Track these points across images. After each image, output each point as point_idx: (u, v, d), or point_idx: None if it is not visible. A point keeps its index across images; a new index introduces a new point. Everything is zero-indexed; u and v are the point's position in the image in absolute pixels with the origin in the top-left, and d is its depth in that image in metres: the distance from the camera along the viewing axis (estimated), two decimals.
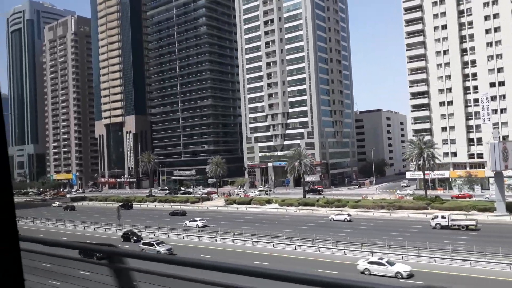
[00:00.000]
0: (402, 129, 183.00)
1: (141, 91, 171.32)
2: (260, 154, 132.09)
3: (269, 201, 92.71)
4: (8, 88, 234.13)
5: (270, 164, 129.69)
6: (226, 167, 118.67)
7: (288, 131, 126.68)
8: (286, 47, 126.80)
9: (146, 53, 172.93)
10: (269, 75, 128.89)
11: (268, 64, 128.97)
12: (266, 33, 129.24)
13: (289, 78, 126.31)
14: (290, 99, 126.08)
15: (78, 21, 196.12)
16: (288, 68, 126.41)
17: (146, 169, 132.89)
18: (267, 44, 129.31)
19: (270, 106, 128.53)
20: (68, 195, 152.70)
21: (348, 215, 70.75)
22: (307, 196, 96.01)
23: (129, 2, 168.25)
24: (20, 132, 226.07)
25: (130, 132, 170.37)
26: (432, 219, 60.52)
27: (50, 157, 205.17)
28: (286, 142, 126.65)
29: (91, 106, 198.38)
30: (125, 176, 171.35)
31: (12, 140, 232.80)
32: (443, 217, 59.11)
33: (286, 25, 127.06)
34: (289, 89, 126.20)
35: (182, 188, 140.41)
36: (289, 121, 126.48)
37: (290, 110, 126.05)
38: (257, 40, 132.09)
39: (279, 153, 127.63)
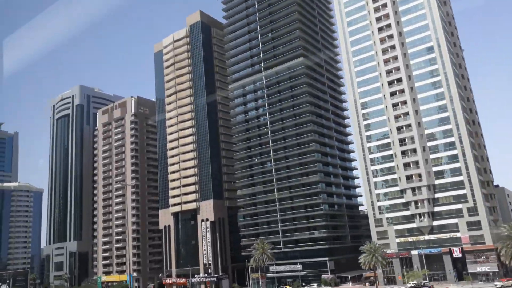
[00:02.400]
0: None
1: (217, 173, 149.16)
2: (397, 240, 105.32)
3: None
4: (49, 179, 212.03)
5: (414, 252, 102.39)
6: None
7: (437, 208, 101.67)
8: (422, 108, 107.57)
9: (221, 131, 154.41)
10: (401, 141, 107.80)
11: (399, 129, 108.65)
12: (393, 96, 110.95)
13: (430, 144, 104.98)
14: (435, 168, 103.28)
15: (138, 102, 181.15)
16: (428, 131, 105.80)
17: (256, 262, 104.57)
18: (395, 106, 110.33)
19: (408, 178, 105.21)
20: None
21: None
22: None
23: (203, 82, 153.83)
24: (61, 228, 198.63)
25: (207, 220, 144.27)
26: None
27: (98, 255, 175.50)
28: (436, 223, 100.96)
29: (151, 194, 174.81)
30: (200, 275, 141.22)
31: (49, 237, 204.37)
32: None
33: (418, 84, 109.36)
34: (432, 156, 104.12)
35: None
36: (437, 195, 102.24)
37: (437, 182, 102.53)
38: (376, 95, 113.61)
39: (427, 237, 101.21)
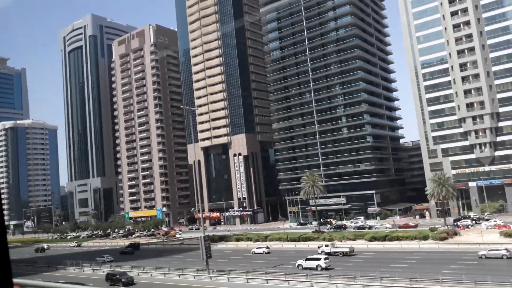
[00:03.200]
0: None
1: (248, 106, 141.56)
2: (453, 172, 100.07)
3: None
4: (65, 115, 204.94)
5: (472, 183, 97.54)
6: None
7: (500, 138, 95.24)
8: (487, 28, 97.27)
9: (251, 61, 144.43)
10: (462, 66, 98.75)
11: (460, 52, 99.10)
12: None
13: (495, 68, 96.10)
14: (499, 95, 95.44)
15: (157, 30, 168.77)
16: (493, 55, 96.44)
17: (307, 195, 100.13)
18: (456, 27, 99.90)
19: (468, 106, 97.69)
20: (178, 235, 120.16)
21: None
22: None
23: (230, 5, 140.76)
24: (83, 164, 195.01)
25: (240, 154, 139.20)
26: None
27: (124, 191, 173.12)
28: (498, 153, 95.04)
29: (175, 129, 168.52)
30: (235, 208, 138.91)
31: (71, 174, 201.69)
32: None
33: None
34: (497, 82, 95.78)
35: (333, 221, 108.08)
36: (500, 124, 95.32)
37: (502, 110, 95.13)
38: (433, 16, 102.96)
39: (487, 168, 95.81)
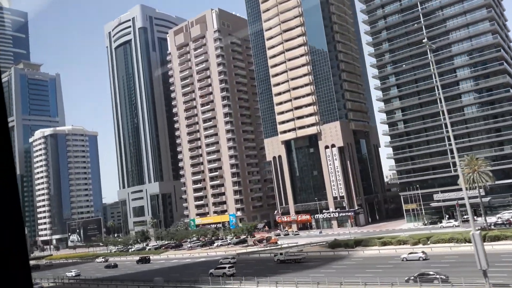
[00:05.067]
0: None
1: (339, 89, 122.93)
2: None
3: None
4: (114, 117, 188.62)
5: None
6: None
7: None
8: None
9: (337, 38, 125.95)
10: None
11: None
12: None
13: None
14: None
15: (220, 15, 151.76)
16: None
17: (470, 183, 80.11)
18: None
19: None
20: (280, 242, 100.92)
21: None
22: None
23: None
24: (136, 170, 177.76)
25: (333, 146, 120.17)
26: None
27: (188, 196, 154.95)
28: None
29: (244, 123, 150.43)
30: (330, 209, 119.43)
31: (122, 181, 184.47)
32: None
33: None
34: None
35: (451, 221, 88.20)
36: None
37: None
38: None
39: None
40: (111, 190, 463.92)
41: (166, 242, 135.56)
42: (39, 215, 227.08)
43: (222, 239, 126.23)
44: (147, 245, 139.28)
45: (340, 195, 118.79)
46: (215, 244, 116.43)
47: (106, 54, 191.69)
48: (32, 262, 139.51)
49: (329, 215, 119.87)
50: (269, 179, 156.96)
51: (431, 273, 46.40)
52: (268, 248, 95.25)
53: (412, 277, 45.54)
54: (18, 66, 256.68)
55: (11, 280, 1.29)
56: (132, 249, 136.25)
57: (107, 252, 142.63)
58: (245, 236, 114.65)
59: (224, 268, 65.07)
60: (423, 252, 62.02)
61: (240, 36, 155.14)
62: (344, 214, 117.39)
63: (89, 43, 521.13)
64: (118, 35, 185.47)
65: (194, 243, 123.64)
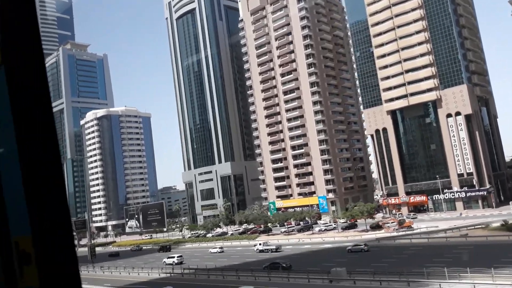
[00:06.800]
0: None
1: (461, 49, 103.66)
2: None
3: None
4: (177, 95, 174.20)
5: None
6: None
7: None
8: None
9: None
10: None
11: None
12: None
13: None
14: None
15: None
16: None
17: None
18: None
19: None
20: (415, 226, 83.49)
21: None
22: None
23: None
24: (204, 150, 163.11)
25: (458, 114, 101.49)
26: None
27: (266, 176, 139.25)
28: None
29: (332, 94, 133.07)
30: (455, 189, 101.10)
31: (188, 162, 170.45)
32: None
33: None
34: None
35: None
36: None
37: None
38: None
39: None
40: (164, 174, 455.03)
41: (251, 227, 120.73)
42: (92, 201, 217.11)
43: (314, 223, 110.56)
44: (227, 230, 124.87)
45: (468, 171, 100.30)
46: (317, 229, 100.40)
47: (166, 26, 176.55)
48: (99, 250, 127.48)
49: (452, 196, 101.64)
50: (359, 158, 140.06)
51: None
52: (404, 233, 78.40)
53: None
54: (66, 46, 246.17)
55: (59, 264, 1.34)
56: (211, 235, 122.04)
57: (181, 238, 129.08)
58: (353, 221, 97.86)
59: None
60: None
61: None
62: (474, 194, 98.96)
63: (138, 19, 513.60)
64: (180, 4, 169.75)
65: (290, 227, 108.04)
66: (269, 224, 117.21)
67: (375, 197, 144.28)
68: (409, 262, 49.27)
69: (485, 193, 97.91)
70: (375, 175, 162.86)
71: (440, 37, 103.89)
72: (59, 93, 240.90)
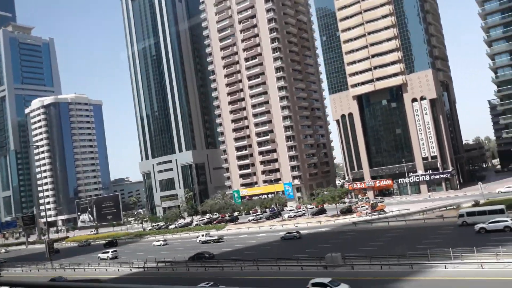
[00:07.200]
0: None
1: (426, 34, 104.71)
2: None
3: None
4: (132, 81, 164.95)
5: None
6: None
7: None
8: None
9: None
10: None
11: None
12: None
13: None
14: None
15: None
16: None
17: None
18: None
19: None
20: (386, 209, 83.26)
21: None
22: None
23: None
24: (163, 139, 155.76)
25: (422, 98, 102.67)
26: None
27: (230, 164, 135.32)
28: None
29: (297, 80, 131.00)
30: (419, 172, 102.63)
31: (145, 152, 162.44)
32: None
33: None
34: None
35: None
36: None
37: None
38: None
39: None
40: (115, 166, 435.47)
41: (216, 216, 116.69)
42: (40, 194, 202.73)
43: (281, 210, 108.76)
44: (191, 221, 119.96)
45: (432, 155, 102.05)
46: (286, 216, 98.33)
47: (121, 8, 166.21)
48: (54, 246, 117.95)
49: (417, 179, 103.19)
50: (322, 144, 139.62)
51: None
52: (377, 216, 77.88)
53: None
54: (7, 28, 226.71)
55: None
56: (174, 226, 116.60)
57: (141, 231, 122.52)
58: (321, 206, 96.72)
59: None
60: None
61: None
62: (438, 176, 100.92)
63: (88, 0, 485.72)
64: None
65: (257, 215, 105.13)
66: (235, 213, 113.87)
67: (337, 182, 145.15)
68: (398, 244, 47.76)
69: (449, 175, 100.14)
70: (336, 161, 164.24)
71: (405, 22, 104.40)
72: (0, 79, 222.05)
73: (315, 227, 78.82)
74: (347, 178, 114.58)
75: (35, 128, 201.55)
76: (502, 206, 53.63)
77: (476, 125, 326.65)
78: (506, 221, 48.56)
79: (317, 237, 66.11)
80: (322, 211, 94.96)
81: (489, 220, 49.74)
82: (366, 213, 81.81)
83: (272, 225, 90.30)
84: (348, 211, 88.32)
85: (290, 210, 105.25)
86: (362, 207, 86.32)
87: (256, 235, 78.69)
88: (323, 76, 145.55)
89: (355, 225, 71.72)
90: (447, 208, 73.85)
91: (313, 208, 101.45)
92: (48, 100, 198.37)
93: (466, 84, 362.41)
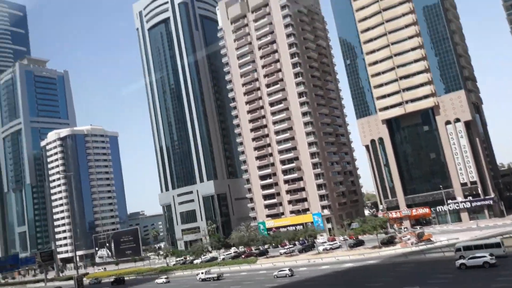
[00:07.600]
0: None
1: (455, 54, 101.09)
2: None
3: None
4: (151, 111, 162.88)
5: None
6: None
7: None
8: None
9: None
10: None
11: None
12: None
13: None
14: None
15: None
16: None
17: None
18: None
19: None
20: (433, 239, 77.55)
21: None
22: None
23: None
24: (184, 170, 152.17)
25: (457, 120, 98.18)
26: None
27: (254, 194, 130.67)
28: None
29: (320, 105, 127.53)
30: (459, 199, 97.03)
31: (165, 184, 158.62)
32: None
33: None
34: None
35: None
36: None
37: None
38: None
39: None
40: (130, 199, 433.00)
41: (244, 250, 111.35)
42: (56, 229, 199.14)
43: (313, 242, 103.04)
44: (218, 254, 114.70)
45: (471, 180, 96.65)
46: (321, 248, 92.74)
47: (138, 37, 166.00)
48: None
49: (457, 206, 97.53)
50: (348, 171, 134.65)
51: None
52: (424, 246, 72.33)
53: None
54: (23, 61, 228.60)
55: None
56: (199, 261, 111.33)
57: (166, 266, 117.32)
58: (356, 238, 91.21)
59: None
60: None
61: (306, 3, 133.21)
62: (480, 203, 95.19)
63: (102, 32, 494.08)
64: (152, 13, 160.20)
65: (289, 248, 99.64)
66: (264, 246, 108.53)
67: (366, 212, 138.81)
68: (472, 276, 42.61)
69: (491, 202, 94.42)
70: (364, 189, 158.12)
71: (433, 42, 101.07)
72: (15, 112, 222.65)
73: (360, 259, 73.26)
74: (381, 207, 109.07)
75: (51, 161, 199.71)
76: None
77: (507, 148, 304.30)
78: None
79: (371, 270, 60.68)
80: (360, 243, 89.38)
81: None
82: (411, 244, 76.37)
83: (309, 258, 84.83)
84: (389, 242, 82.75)
85: (322, 242, 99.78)
86: (405, 237, 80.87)
87: (317, 267, 72.22)
88: (345, 102, 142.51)
89: (406, 256, 66.26)
90: (503, 236, 68.32)
91: (347, 239, 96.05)
92: (64, 132, 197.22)
93: (495, 106, 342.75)
